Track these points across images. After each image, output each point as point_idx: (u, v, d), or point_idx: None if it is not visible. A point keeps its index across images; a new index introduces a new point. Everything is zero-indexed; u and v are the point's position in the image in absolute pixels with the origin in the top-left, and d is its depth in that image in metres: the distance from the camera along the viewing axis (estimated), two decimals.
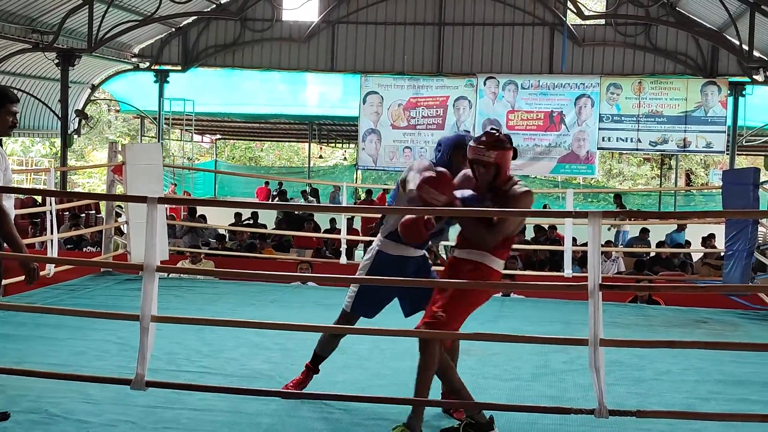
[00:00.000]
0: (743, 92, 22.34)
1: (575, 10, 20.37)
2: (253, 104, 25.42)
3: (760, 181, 9.57)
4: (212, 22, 24.09)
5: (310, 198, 23.99)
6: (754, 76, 20.93)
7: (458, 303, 4.74)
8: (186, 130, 26.91)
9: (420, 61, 23.49)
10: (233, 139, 38.10)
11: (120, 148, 10.35)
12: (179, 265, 11.73)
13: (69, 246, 15.62)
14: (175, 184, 26.05)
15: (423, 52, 23.47)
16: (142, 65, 24.43)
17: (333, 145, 34.56)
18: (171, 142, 30.54)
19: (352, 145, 30.01)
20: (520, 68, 23.14)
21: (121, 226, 11.58)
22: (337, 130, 30.31)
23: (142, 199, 4.77)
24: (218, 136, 34.56)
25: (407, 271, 5.32)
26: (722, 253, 10.73)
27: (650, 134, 22.30)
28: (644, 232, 16.89)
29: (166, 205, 12.05)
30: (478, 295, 4.84)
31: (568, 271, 10.27)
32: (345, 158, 35.94)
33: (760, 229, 10.83)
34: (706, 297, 10.36)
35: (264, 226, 18.12)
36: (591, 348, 4.27)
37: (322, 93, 25.05)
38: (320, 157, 35.27)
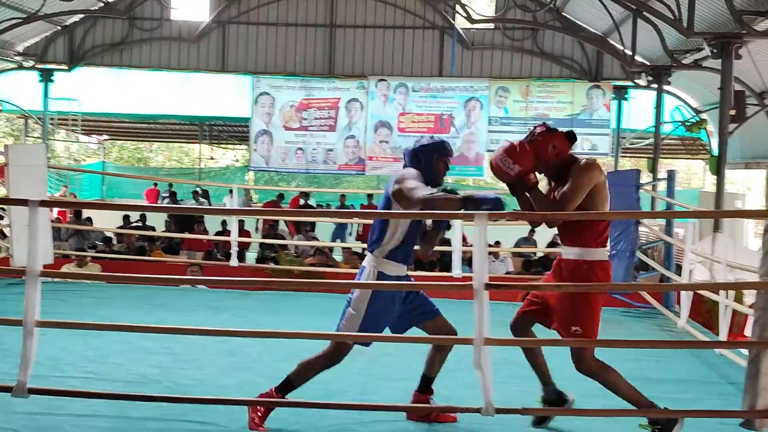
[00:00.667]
0: (626, 96, 23.06)
1: (464, 14, 20.67)
2: (142, 104, 24.95)
3: (641, 182, 9.88)
4: (99, 20, 23.56)
5: (201, 199, 23.68)
6: (637, 81, 21.56)
7: (585, 310, 4.77)
8: (72, 130, 26.26)
9: (312, 63, 23.46)
10: (121, 140, 37.28)
11: (2, 149, 10.06)
12: (64, 268, 11.45)
13: None
14: (67, 186, 25.37)
15: (315, 53, 23.45)
16: (25, 64, 23.72)
17: (224, 146, 34.19)
18: (56, 143, 29.75)
19: (243, 146, 29.71)
20: (410, 71, 23.33)
21: (4, 230, 11.26)
22: (229, 130, 29.98)
23: (23, 202, 4.64)
24: (105, 137, 33.78)
25: (404, 292, 5.07)
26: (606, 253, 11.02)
27: None
28: (531, 232, 17.25)
29: (51, 208, 11.75)
30: (597, 294, 4.85)
31: (457, 271, 10.40)
32: (237, 159, 35.58)
33: (642, 229, 11.16)
34: None
35: (153, 229, 17.82)
36: (476, 347, 4.34)
37: (212, 93, 24.74)
38: (211, 158, 34.80)
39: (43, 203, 4.74)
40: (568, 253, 4.87)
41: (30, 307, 4.53)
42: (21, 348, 4.58)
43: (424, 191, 4.72)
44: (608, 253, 9.50)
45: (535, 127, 4.91)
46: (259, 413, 4.83)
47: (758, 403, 4.26)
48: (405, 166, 5.15)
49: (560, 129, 4.93)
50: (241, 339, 6.99)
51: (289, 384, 4.95)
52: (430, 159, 5.08)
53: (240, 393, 5.54)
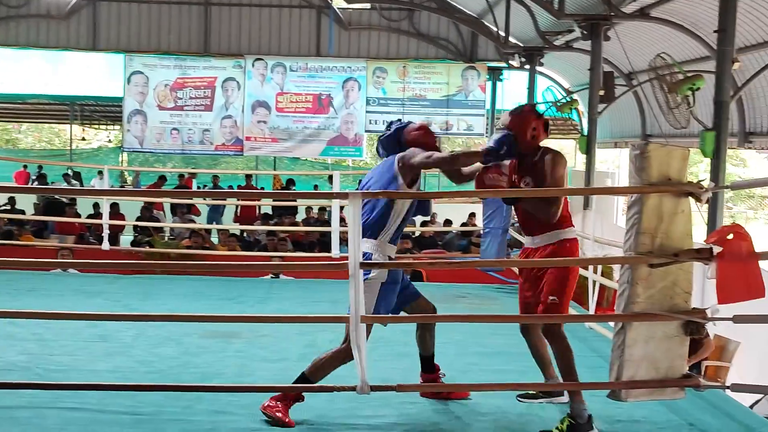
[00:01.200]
0: (500, 77, 23.46)
1: None
2: (10, 84, 24.08)
3: None
4: None
5: (74, 182, 23.02)
6: (510, 62, 21.95)
7: (564, 284, 4.92)
8: None
9: (187, 41, 23.05)
10: None
11: None
12: None
13: None
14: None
15: (190, 31, 23.04)
16: None
17: (96, 126, 33.27)
18: None
19: (116, 127, 28.99)
20: (288, 50, 23.18)
21: None
22: (101, 111, 29.16)
23: None
24: None
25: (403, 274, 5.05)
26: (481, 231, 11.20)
27: (415, 117, 22.83)
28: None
29: None
30: (574, 270, 5.04)
31: (335, 251, 10.41)
32: (110, 140, 34.69)
33: None
34: (465, 273, 10.83)
35: (22, 212, 17.24)
36: (352, 325, 4.35)
37: (84, 72, 24.08)
38: (83, 139, 33.84)
39: None
40: (546, 239, 5.04)
41: None
42: None
43: (441, 154, 4.82)
44: (486, 231, 9.70)
45: (524, 106, 5.04)
46: (278, 411, 4.70)
47: (624, 375, 4.40)
48: (382, 151, 5.11)
49: (546, 117, 5.02)
50: (114, 324, 6.84)
51: (304, 381, 4.78)
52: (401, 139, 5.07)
53: (113, 378, 5.43)
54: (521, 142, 4.84)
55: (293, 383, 4.78)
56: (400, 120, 5.32)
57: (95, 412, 4.76)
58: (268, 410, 4.69)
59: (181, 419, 4.68)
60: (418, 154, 4.83)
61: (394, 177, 4.87)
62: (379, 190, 4.85)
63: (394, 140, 5.07)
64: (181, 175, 21.70)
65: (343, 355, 4.72)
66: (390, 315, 4.91)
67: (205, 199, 18.23)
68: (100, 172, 22.65)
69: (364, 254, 4.73)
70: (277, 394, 4.76)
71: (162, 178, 21.25)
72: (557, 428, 4.66)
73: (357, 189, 4.89)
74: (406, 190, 4.85)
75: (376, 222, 4.83)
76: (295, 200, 16.98)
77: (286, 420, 4.66)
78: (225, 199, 18.32)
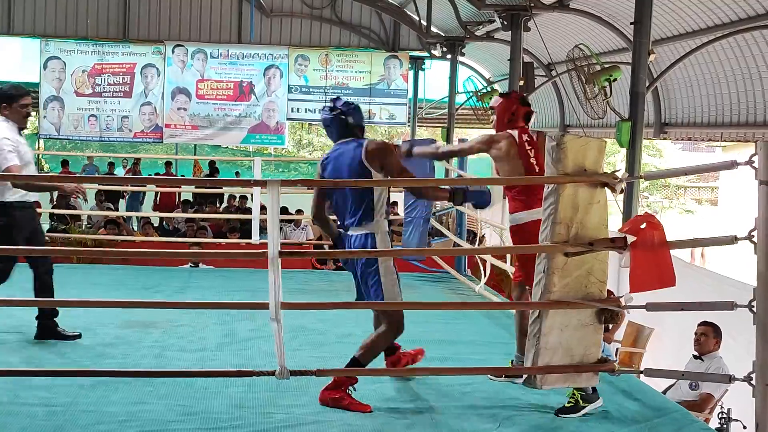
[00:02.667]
0: (423, 66, 23.55)
1: None
2: None
3: None
4: None
5: None
6: (432, 51, 22.04)
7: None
8: None
9: (105, 26, 22.58)
10: None
11: None
12: None
13: None
14: None
15: (108, 16, 22.58)
16: None
17: None
18: None
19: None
20: (209, 37, 22.89)
21: None
22: None
23: None
24: None
25: None
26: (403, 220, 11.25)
27: None
28: None
29: None
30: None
31: (255, 238, 10.37)
32: None
33: None
34: None
35: None
36: (272, 312, 4.33)
37: None
38: None
39: None
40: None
41: None
42: None
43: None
44: (408, 220, 9.75)
45: (513, 91, 5.41)
46: (344, 400, 4.74)
47: (538, 361, 4.47)
48: (330, 127, 5.14)
49: (529, 108, 5.46)
50: (27, 313, 6.70)
51: (356, 364, 4.86)
52: (360, 117, 5.15)
53: (27, 367, 5.33)
54: (499, 120, 5.37)
55: (346, 366, 4.86)
56: (339, 98, 5.34)
57: (7, 405, 4.66)
58: (334, 402, 4.75)
59: (95, 410, 4.61)
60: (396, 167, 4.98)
61: (359, 168, 4.93)
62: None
63: (342, 122, 5.10)
64: (111, 163, 21.40)
65: (395, 329, 4.92)
66: (306, 303, 4.90)
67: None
68: None
69: (367, 236, 4.93)
70: (329, 385, 4.80)
71: (65, 162, 21.03)
72: (569, 402, 4.80)
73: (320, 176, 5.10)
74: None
75: (367, 205, 4.93)
76: (221, 188, 16.81)
77: (359, 404, 4.75)
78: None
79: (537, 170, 5.21)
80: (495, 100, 5.47)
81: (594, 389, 4.83)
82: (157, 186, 15.51)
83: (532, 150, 5.29)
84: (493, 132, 5.42)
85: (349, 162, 4.96)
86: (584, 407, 4.75)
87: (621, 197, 5.82)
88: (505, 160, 5.25)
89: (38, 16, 22.36)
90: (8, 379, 5.01)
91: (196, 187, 15.66)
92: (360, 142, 5.01)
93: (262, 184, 4.45)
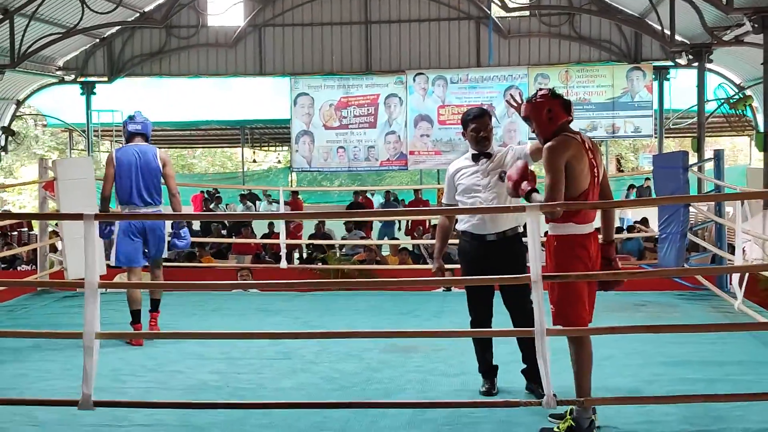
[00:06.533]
0: (667, 76, 22.77)
1: (499, 3, 20.49)
2: (183, 111, 25.18)
3: (689, 163, 9.73)
4: (137, 31, 23.74)
5: (249, 203, 23.81)
6: (677, 60, 21.30)
7: (552, 288, 4.71)
8: (116, 141, 26.50)
9: (349, 61, 23.46)
10: (164, 147, 37.46)
11: (50, 164, 10.16)
12: (117, 278, 11.55)
13: (2, 266, 15.31)
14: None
15: (351, 51, 23.45)
16: (67, 78, 23.95)
17: (266, 148, 34.37)
18: (101, 155, 30.08)
19: (285, 148, 29.81)
20: (448, 63, 23.24)
21: (56, 243, 11.41)
22: (270, 133, 30.15)
23: (78, 217, 4.70)
24: None
25: None
26: (657, 236, 10.90)
27: (580, 122, 22.49)
28: None
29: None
30: (564, 264, 4.73)
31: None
32: (279, 161, 35.72)
33: (692, 210, 11.02)
34: (642, 280, 10.50)
35: (202, 234, 17.95)
36: (538, 337, 4.31)
37: (252, 97, 24.89)
38: (254, 161, 35.03)
39: (97, 216, 4.78)
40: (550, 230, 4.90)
41: (90, 320, 4.57)
42: (81, 361, 4.62)
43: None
44: (663, 236, 9.43)
45: (539, 90, 5.04)
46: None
47: None
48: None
49: (563, 97, 5.02)
50: (296, 341, 7.03)
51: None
52: None
53: (298, 395, 5.57)
54: (539, 125, 4.91)
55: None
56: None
57: (284, 429, 4.89)
58: None
59: None
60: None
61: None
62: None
63: None
64: (355, 193, 22.14)
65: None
66: (568, 328, 4.78)
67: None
68: (267, 195, 23.47)
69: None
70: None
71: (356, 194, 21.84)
72: (558, 428, 4.58)
73: None
74: None
75: None
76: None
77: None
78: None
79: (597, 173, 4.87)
80: (524, 108, 5.04)
81: (591, 424, 4.58)
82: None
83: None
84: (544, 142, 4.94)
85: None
86: None
87: None
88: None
89: (287, 56, 23.55)
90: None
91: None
92: None
93: (520, 209, 4.44)
